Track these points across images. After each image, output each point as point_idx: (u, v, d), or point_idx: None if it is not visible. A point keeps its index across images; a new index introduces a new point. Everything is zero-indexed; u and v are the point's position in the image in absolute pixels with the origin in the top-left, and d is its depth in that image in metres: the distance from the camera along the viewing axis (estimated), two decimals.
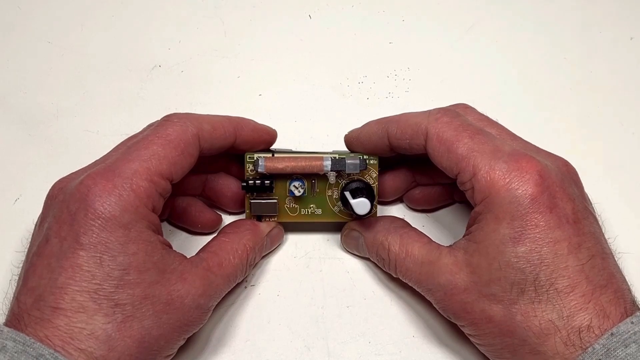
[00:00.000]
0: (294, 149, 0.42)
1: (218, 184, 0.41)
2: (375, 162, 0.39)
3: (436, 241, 0.37)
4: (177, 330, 0.33)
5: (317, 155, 0.38)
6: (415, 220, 0.42)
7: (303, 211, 0.39)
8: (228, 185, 0.41)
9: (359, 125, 0.39)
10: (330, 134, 0.45)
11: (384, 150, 0.38)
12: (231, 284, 0.36)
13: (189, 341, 0.35)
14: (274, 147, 0.41)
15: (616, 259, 0.34)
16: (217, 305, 0.36)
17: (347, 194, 0.37)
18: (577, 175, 0.36)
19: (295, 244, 0.41)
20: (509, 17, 0.51)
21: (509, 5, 0.52)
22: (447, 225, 0.42)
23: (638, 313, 0.31)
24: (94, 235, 0.31)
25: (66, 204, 0.32)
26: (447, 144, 0.34)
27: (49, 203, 0.34)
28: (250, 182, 0.38)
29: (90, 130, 0.45)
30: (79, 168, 0.35)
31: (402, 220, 0.40)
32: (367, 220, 0.39)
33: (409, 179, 0.41)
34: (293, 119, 0.46)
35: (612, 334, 0.30)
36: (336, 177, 0.38)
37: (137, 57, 0.49)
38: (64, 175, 0.35)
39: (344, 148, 0.40)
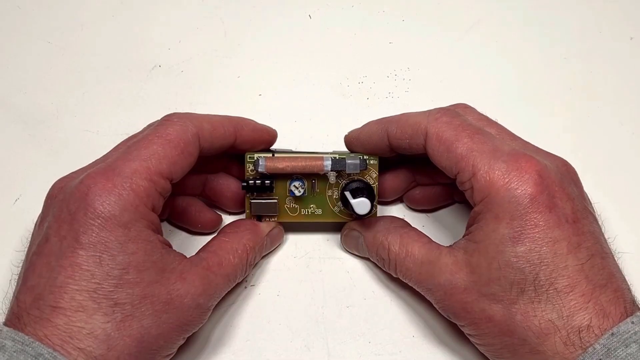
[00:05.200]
0: (294, 149, 0.42)
1: (218, 184, 0.41)
2: (376, 162, 0.39)
3: (436, 241, 0.37)
4: (177, 329, 0.33)
5: (317, 155, 0.38)
6: (415, 220, 0.42)
7: (303, 211, 0.39)
8: (228, 185, 0.41)
9: (359, 125, 0.39)
10: (330, 134, 0.45)
11: (384, 150, 0.38)
12: (231, 283, 0.36)
13: (188, 341, 0.35)
14: (274, 147, 0.41)
15: (616, 259, 0.34)
16: (217, 305, 0.36)
17: (348, 194, 0.37)
18: (576, 175, 0.36)
19: (295, 243, 0.41)
20: (509, 17, 0.51)
21: (509, 5, 0.52)
22: (447, 225, 0.42)
23: (638, 313, 0.31)
24: (93, 234, 0.31)
25: (66, 204, 0.32)
26: (447, 144, 0.34)
27: (49, 203, 0.34)
28: (250, 182, 0.38)
29: (90, 130, 0.45)
30: (79, 168, 0.35)
31: (402, 220, 0.40)
32: (367, 220, 0.39)
33: (409, 179, 0.41)
34: (293, 119, 0.46)
35: (612, 334, 0.30)
36: (336, 177, 0.38)
37: (137, 57, 0.49)
38: (64, 175, 0.35)
39: (344, 148, 0.40)
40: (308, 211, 0.39)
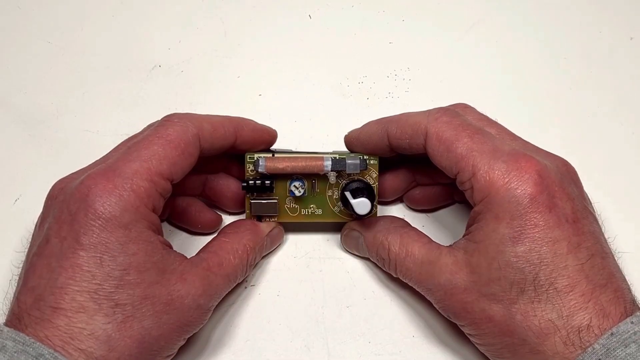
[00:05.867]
0: (294, 149, 0.42)
1: (218, 184, 0.41)
2: (376, 162, 0.39)
3: (436, 241, 0.37)
4: (177, 330, 0.33)
5: (317, 156, 0.38)
6: (415, 220, 0.42)
7: (303, 211, 0.39)
8: (228, 185, 0.41)
9: (359, 125, 0.39)
10: (330, 134, 0.45)
11: (384, 150, 0.38)
12: (231, 284, 0.36)
13: (189, 341, 0.35)
14: (274, 147, 0.41)
15: (616, 259, 0.34)
16: (217, 305, 0.36)
17: (348, 194, 0.37)
18: (576, 175, 0.36)
19: (295, 244, 0.41)
20: (509, 17, 0.51)
21: (509, 5, 0.52)
22: (447, 225, 0.42)
23: (638, 313, 0.31)
24: (94, 235, 0.31)
25: (66, 204, 0.32)
26: (447, 144, 0.34)
27: (49, 203, 0.34)
28: (250, 182, 0.38)
29: (90, 130, 0.45)
30: (79, 168, 0.35)
31: (402, 220, 0.40)
32: (367, 220, 0.39)
33: (409, 179, 0.41)
34: (293, 119, 0.46)
35: (612, 334, 0.30)
36: (336, 177, 0.38)
37: (137, 57, 0.49)
38: (64, 176, 0.35)
39: (344, 148, 0.40)
40: (308, 211, 0.39)
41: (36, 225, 0.35)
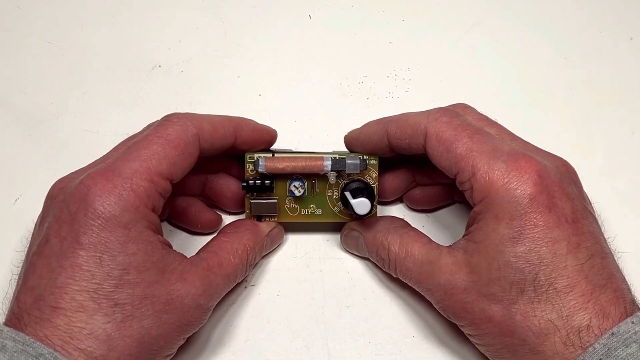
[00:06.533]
0: (294, 149, 0.42)
1: (218, 184, 0.41)
2: (376, 162, 0.39)
3: (436, 241, 0.37)
4: (177, 330, 0.33)
5: (317, 155, 0.38)
6: (415, 220, 0.42)
7: (303, 211, 0.39)
8: (228, 185, 0.41)
9: (359, 125, 0.39)
10: (330, 134, 0.45)
11: (384, 150, 0.38)
12: (231, 283, 0.36)
13: (189, 341, 0.35)
14: (274, 147, 0.41)
15: (615, 259, 0.34)
16: (217, 305, 0.36)
17: (348, 194, 0.37)
18: (576, 175, 0.36)
19: (295, 244, 0.41)
20: (509, 17, 0.51)
21: (509, 5, 0.52)
22: (447, 225, 0.42)
23: (638, 313, 0.31)
24: (94, 235, 0.31)
25: (66, 204, 0.32)
26: (446, 144, 0.34)
27: (48, 203, 0.34)
28: (250, 182, 0.38)
29: (90, 130, 0.45)
30: (79, 168, 0.35)
31: (402, 220, 0.40)
32: (367, 220, 0.39)
33: (409, 179, 0.41)
34: (293, 119, 0.46)
35: (612, 334, 0.30)
36: (336, 177, 0.38)
37: (137, 57, 0.49)
38: (64, 175, 0.35)
39: (344, 148, 0.40)
40: (308, 211, 0.39)
41: (36, 225, 0.35)
